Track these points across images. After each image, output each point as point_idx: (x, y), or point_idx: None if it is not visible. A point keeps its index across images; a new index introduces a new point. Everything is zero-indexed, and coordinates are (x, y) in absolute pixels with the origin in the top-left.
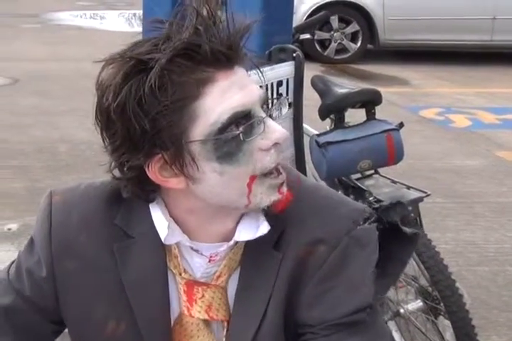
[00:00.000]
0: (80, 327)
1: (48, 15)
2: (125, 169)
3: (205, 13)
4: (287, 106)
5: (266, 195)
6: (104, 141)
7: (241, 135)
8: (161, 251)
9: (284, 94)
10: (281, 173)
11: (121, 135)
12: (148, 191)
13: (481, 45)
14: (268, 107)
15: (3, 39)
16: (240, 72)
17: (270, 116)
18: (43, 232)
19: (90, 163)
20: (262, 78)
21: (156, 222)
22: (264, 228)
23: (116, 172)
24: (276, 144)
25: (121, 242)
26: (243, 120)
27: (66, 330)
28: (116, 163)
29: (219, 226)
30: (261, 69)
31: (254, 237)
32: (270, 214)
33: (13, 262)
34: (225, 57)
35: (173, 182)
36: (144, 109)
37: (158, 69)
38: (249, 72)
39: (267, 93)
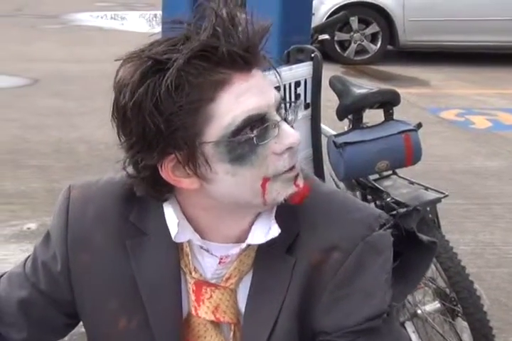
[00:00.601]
0: (94, 322)
1: (69, 16)
2: (139, 167)
3: (224, 14)
4: (303, 110)
5: (282, 190)
6: (119, 138)
7: (255, 138)
8: (174, 248)
9: (302, 95)
10: (294, 168)
11: (136, 133)
12: (162, 191)
13: (503, 46)
14: (284, 110)
15: (24, 40)
16: (257, 75)
17: (285, 120)
18: (60, 226)
19: (109, 163)
20: (279, 79)
21: (167, 219)
22: (274, 231)
23: (131, 171)
24: (289, 148)
25: (134, 238)
26: (258, 123)
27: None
28: (131, 161)
29: (232, 226)
30: (279, 71)
31: (266, 240)
32: (284, 214)
33: (29, 256)
34: (243, 59)
35: (186, 183)
36: (159, 109)
37: (175, 70)
38: (266, 72)
39: (283, 96)
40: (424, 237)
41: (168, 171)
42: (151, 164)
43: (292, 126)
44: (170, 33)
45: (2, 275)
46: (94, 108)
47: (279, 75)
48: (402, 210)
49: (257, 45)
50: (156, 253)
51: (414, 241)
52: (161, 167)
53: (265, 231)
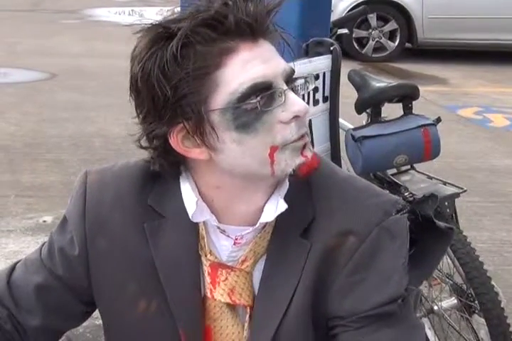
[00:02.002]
0: (111, 307)
1: (87, 12)
2: (151, 138)
3: None
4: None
5: (290, 160)
6: (136, 112)
7: (259, 104)
8: (192, 231)
9: (321, 88)
10: (303, 137)
11: (147, 103)
12: (174, 163)
13: None
14: (293, 82)
15: (42, 34)
16: (265, 45)
17: (293, 90)
18: (77, 210)
19: (125, 157)
20: (294, 65)
21: (185, 198)
22: (281, 206)
23: (144, 143)
24: (296, 117)
25: (152, 221)
26: (264, 91)
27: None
28: (144, 133)
29: (245, 205)
30: (297, 63)
31: (275, 216)
32: (300, 198)
33: (44, 243)
34: (249, 28)
35: (196, 153)
36: (166, 76)
37: (181, 37)
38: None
39: (292, 68)
40: (441, 223)
41: (177, 141)
42: (161, 134)
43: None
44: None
45: (17, 263)
46: (111, 102)
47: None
48: (418, 196)
49: (264, 17)
50: (174, 235)
51: (431, 228)
52: (171, 137)
53: (274, 208)
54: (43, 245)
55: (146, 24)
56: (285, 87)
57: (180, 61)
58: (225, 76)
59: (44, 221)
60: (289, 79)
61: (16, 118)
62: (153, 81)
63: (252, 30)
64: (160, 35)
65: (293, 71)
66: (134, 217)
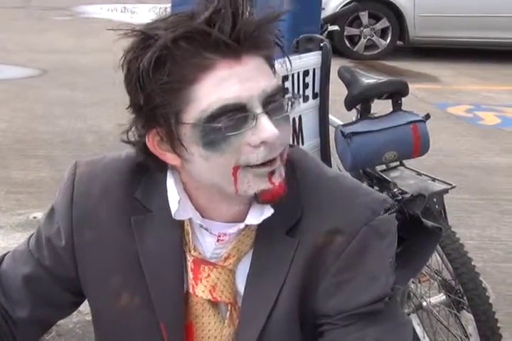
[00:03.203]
0: (97, 298)
1: (78, 9)
2: (135, 134)
3: (229, 2)
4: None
5: (254, 184)
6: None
7: (223, 128)
8: (178, 226)
9: (311, 84)
10: (270, 163)
11: (130, 103)
12: (154, 160)
13: None
14: (273, 102)
15: (34, 31)
16: (249, 63)
17: (268, 113)
18: (65, 201)
19: None
20: (287, 68)
21: (169, 196)
22: (267, 211)
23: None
24: (265, 143)
25: (138, 215)
26: (235, 112)
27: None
28: (130, 127)
29: (226, 207)
30: (287, 60)
31: (260, 221)
32: (287, 197)
33: (32, 234)
34: (226, 47)
35: (170, 157)
36: (141, 84)
37: (157, 48)
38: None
39: (278, 86)
40: (428, 222)
41: (153, 143)
42: (141, 133)
43: (286, 117)
44: (179, 8)
45: (5, 255)
46: (102, 99)
47: (290, 64)
48: (407, 196)
49: (249, 35)
50: (160, 230)
51: (418, 227)
52: (148, 139)
53: (261, 211)
54: (30, 236)
55: (128, 29)
56: (259, 110)
57: (155, 72)
58: (199, 92)
59: (34, 217)
60: (270, 99)
61: (7, 114)
62: (132, 87)
63: (230, 49)
64: (141, 42)
65: (277, 90)
66: (121, 210)
